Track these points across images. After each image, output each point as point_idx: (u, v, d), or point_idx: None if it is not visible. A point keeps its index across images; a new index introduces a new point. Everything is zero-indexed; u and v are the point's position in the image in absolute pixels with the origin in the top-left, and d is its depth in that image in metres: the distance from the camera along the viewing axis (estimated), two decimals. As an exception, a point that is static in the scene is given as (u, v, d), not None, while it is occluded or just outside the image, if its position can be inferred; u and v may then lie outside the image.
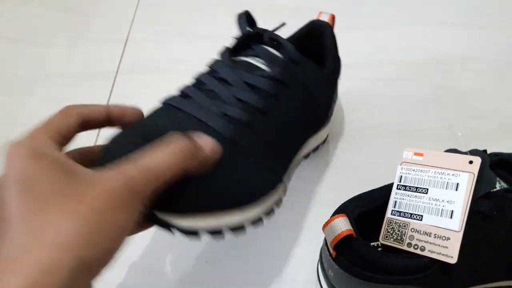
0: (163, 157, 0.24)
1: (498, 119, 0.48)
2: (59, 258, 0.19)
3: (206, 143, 0.27)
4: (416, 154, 0.34)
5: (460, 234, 0.30)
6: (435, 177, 0.32)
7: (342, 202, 0.34)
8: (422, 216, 0.32)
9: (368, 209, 0.34)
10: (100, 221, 0.21)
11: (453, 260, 0.29)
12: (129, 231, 0.23)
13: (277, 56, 0.34)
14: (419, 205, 0.32)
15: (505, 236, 0.31)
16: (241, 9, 0.63)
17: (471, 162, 0.32)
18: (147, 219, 0.27)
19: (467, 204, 0.30)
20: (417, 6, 0.60)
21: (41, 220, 0.20)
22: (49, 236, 0.20)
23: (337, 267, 0.31)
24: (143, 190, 0.23)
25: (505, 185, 0.33)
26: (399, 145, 0.37)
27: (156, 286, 0.40)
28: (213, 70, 0.34)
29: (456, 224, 0.30)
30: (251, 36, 0.35)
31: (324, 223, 0.32)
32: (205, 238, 0.28)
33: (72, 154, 0.28)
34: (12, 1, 0.67)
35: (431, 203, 0.32)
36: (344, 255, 0.31)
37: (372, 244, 0.35)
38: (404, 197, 0.33)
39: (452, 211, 0.31)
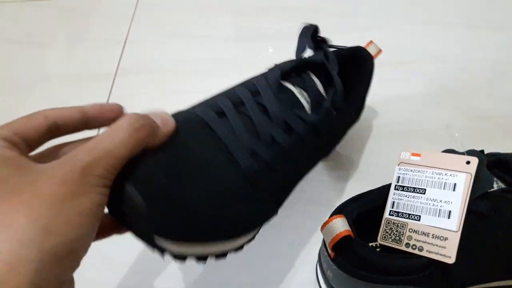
0: (117, 139, 0.24)
1: (495, 119, 0.48)
2: (21, 253, 0.19)
3: (162, 120, 0.28)
4: (413, 154, 0.34)
5: (458, 234, 0.30)
6: (432, 177, 0.33)
7: (341, 203, 0.34)
8: (420, 216, 0.32)
9: (366, 209, 0.34)
10: (57, 210, 0.21)
11: (451, 260, 0.29)
12: (95, 216, 0.23)
13: (323, 97, 0.32)
14: (417, 206, 0.32)
15: (503, 236, 0.32)
16: (239, 10, 0.63)
17: (468, 162, 0.32)
18: (140, 236, 0.27)
19: (465, 204, 0.31)
20: (416, 7, 0.60)
21: None
22: (7, 232, 0.19)
23: (335, 267, 0.32)
24: (99, 172, 0.23)
25: (502, 185, 0.33)
26: (397, 146, 0.37)
27: (156, 286, 0.40)
28: (257, 91, 0.31)
29: (454, 224, 0.30)
30: (307, 63, 0.33)
31: (322, 223, 0.32)
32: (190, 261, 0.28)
33: None
34: (12, 2, 0.67)
35: (429, 204, 0.32)
36: (342, 255, 0.31)
37: (370, 244, 0.35)
38: (402, 198, 0.33)
39: (450, 211, 0.31)
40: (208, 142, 0.29)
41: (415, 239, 0.31)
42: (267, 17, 0.62)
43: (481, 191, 0.31)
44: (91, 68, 0.58)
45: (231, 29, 0.57)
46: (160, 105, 0.54)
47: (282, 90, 0.32)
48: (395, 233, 0.32)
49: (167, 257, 0.27)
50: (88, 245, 0.23)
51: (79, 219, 0.21)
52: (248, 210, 0.29)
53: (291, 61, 0.34)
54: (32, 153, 0.26)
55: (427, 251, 0.30)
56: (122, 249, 0.40)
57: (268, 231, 0.41)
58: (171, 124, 0.28)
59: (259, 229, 0.32)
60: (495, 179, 0.33)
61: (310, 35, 0.34)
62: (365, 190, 0.35)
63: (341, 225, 0.31)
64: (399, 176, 0.34)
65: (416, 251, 0.31)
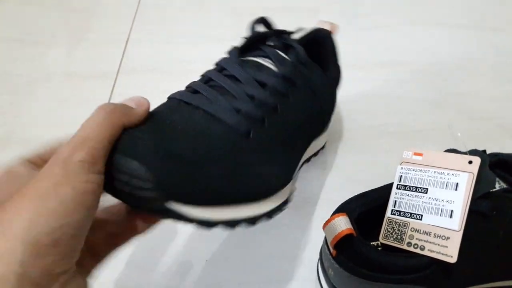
0: (92, 124, 0.25)
1: (498, 119, 0.49)
2: (5, 246, 0.21)
3: (137, 102, 0.28)
4: (415, 154, 0.34)
5: (460, 234, 0.30)
6: (434, 177, 0.33)
7: (342, 202, 0.34)
8: (422, 215, 0.32)
9: (368, 208, 0.34)
10: (39, 203, 0.22)
11: (452, 259, 0.29)
12: (82, 204, 0.23)
13: (286, 57, 0.34)
14: (419, 205, 0.32)
15: (505, 236, 0.32)
16: (241, 10, 0.63)
17: (470, 162, 0.32)
18: (158, 212, 0.26)
19: (467, 204, 0.31)
20: (417, 8, 0.60)
21: None
22: (2, 230, 0.21)
23: (337, 266, 0.32)
24: (79, 157, 0.23)
25: (504, 185, 0.33)
26: (399, 145, 0.37)
27: (156, 285, 0.40)
28: (221, 68, 0.34)
29: (456, 223, 0.30)
30: (260, 37, 0.35)
31: (324, 222, 0.32)
32: (219, 229, 0.28)
33: None
34: (13, 1, 0.67)
35: (431, 203, 0.32)
36: (344, 254, 0.31)
37: (372, 243, 0.35)
38: (404, 197, 0.33)
39: (452, 210, 0.31)
40: (191, 115, 0.29)
41: (416, 238, 0.31)
42: (269, 17, 0.62)
43: (483, 191, 0.31)
44: (93, 67, 0.58)
45: (232, 29, 0.57)
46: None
47: (246, 62, 0.34)
48: (397, 232, 0.32)
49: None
50: (80, 235, 0.23)
51: (61, 208, 0.22)
52: (255, 168, 0.30)
53: (245, 37, 0.36)
54: None
55: (428, 250, 0.30)
56: (122, 248, 0.40)
57: (268, 230, 0.42)
58: (146, 104, 0.28)
59: (283, 200, 0.32)
60: (497, 179, 0.33)
61: (261, 23, 0.36)
62: (367, 189, 0.35)
63: (343, 224, 0.31)
64: (401, 175, 0.34)
65: (418, 250, 0.31)
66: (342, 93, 0.49)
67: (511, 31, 0.56)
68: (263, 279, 0.40)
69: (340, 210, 0.33)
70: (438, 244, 0.30)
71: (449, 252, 0.29)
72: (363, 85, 0.52)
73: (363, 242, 0.31)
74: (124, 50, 0.60)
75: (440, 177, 0.32)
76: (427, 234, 0.31)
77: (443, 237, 0.30)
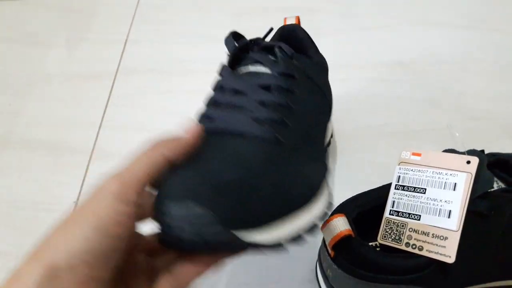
0: (132, 158, 0.25)
1: (496, 119, 0.49)
2: (25, 268, 0.22)
3: (185, 129, 0.28)
4: (414, 154, 0.34)
5: (458, 234, 0.30)
6: (433, 177, 0.33)
7: (341, 202, 0.34)
8: (420, 216, 0.32)
9: (366, 209, 0.34)
10: (65, 227, 0.23)
11: (451, 259, 0.29)
12: (111, 233, 0.23)
13: (275, 56, 0.35)
14: (417, 205, 0.32)
15: (503, 236, 0.32)
16: (240, 10, 0.63)
17: (468, 162, 0.32)
18: (229, 248, 0.25)
19: (465, 204, 0.30)
20: (416, 7, 0.60)
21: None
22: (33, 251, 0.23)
23: (335, 266, 0.32)
24: (112, 188, 0.24)
25: (502, 185, 0.33)
26: (398, 145, 0.37)
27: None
28: (221, 87, 0.33)
29: (454, 223, 0.30)
30: (242, 48, 0.36)
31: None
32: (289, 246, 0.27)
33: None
34: (12, 1, 0.67)
35: (429, 203, 0.32)
36: (342, 255, 0.31)
37: (370, 244, 0.35)
38: (402, 197, 0.33)
39: (450, 210, 0.31)
40: (213, 139, 0.29)
41: (415, 239, 0.31)
42: (266, 17, 0.62)
43: (481, 190, 0.31)
44: (92, 68, 0.58)
45: (231, 29, 0.56)
46: (159, 104, 0.54)
47: (240, 74, 0.34)
48: (395, 232, 0.32)
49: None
50: (100, 265, 0.23)
51: (81, 235, 0.22)
52: (295, 170, 0.29)
53: (229, 53, 0.36)
54: None
55: (427, 250, 0.30)
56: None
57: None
58: (193, 129, 0.28)
59: (328, 203, 0.31)
60: (495, 179, 0.33)
61: (232, 38, 0.37)
62: (365, 190, 0.35)
63: (341, 225, 0.31)
64: (399, 176, 0.34)
65: (416, 251, 0.31)
66: (342, 93, 0.49)
67: (511, 31, 0.56)
68: (262, 280, 0.40)
69: (338, 210, 0.33)
70: (437, 245, 0.30)
71: (448, 252, 0.29)
72: (361, 85, 0.52)
73: (361, 242, 0.31)
74: (123, 51, 0.60)
75: (439, 177, 0.32)
76: (425, 234, 0.31)
77: (442, 237, 0.30)
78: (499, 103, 0.50)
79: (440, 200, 0.32)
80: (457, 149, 0.35)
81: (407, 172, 0.34)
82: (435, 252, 0.30)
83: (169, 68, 0.57)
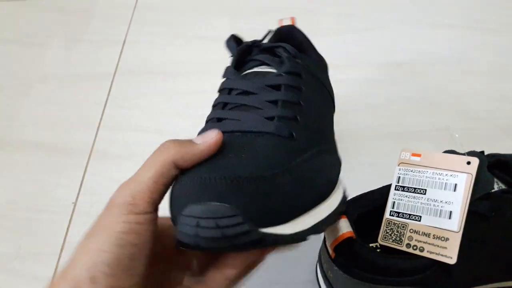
0: (143, 164, 0.25)
1: (495, 120, 0.49)
2: (55, 283, 0.23)
3: (203, 137, 0.27)
4: (413, 155, 0.34)
5: (459, 235, 0.30)
6: (433, 177, 0.33)
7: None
8: (420, 217, 0.32)
9: (366, 210, 0.34)
10: (84, 241, 0.24)
11: (452, 260, 0.29)
12: (125, 243, 0.23)
13: (280, 56, 0.35)
14: (417, 206, 0.32)
15: (504, 237, 0.32)
16: (238, 11, 0.63)
17: (469, 163, 0.32)
18: (254, 244, 0.24)
19: (466, 204, 0.30)
20: (415, 8, 0.60)
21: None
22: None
23: (336, 268, 0.31)
24: (121, 199, 0.24)
25: (503, 186, 0.33)
26: (397, 146, 0.37)
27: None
28: (230, 89, 0.33)
29: (455, 224, 0.30)
30: (244, 50, 0.36)
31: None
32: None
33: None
34: (10, 2, 0.67)
35: (430, 204, 0.32)
36: (343, 256, 0.31)
37: (371, 245, 0.35)
38: (402, 198, 0.33)
39: (451, 211, 0.31)
40: (232, 140, 0.29)
41: (415, 240, 0.31)
42: (265, 18, 0.62)
43: (482, 192, 0.31)
44: (90, 69, 0.58)
45: (229, 29, 0.56)
46: (158, 105, 0.54)
47: (246, 76, 0.34)
48: (396, 233, 0.32)
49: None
50: (120, 274, 0.23)
51: (96, 247, 0.23)
52: (313, 164, 0.29)
53: (233, 55, 0.36)
54: None
55: (428, 251, 0.30)
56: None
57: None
58: (211, 138, 0.27)
59: (344, 196, 0.31)
60: (495, 180, 0.33)
61: (233, 40, 0.37)
62: (365, 191, 0.35)
63: (344, 226, 0.31)
64: (399, 177, 0.34)
65: (417, 252, 0.31)
66: (341, 94, 0.49)
67: (510, 32, 0.57)
68: (262, 281, 0.40)
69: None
70: (438, 245, 0.30)
71: (449, 253, 0.29)
72: (361, 86, 0.52)
73: (362, 244, 0.31)
74: (121, 52, 0.59)
75: (439, 178, 0.32)
76: (426, 235, 0.31)
77: (442, 238, 0.30)
78: (499, 103, 0.50)
79: (441, 201, 0.31)
80: (456, 150, 0.35)
81: (407, 173, 0.34)
82: (436, 253, 0.30)
83: (167, 69, 0.57)
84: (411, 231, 0.32)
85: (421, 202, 0.32)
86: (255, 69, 0.34)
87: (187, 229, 0.23)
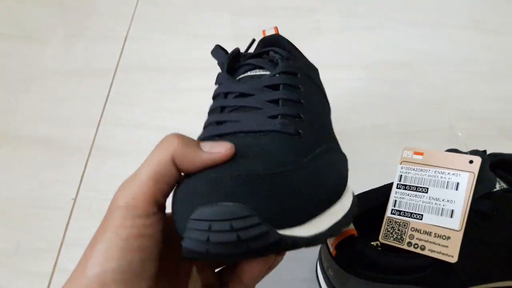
0: (144, 162, 0.24)
1: (498, 120, 0.49)
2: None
3: (211, 146, 0.25)
4: (416, 153, 0.34)
5: (461, 234, 0.30)
6: (435, 176, 0.32)
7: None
8: (422, 215, 0.32)
9: (368, 208, 0.34)
10: (91, 247, 0.23)
11: (453, 259, 0.29)
12: (131, 248, 0.23)
13: (270, 60, 0.34)
14: (419, 204, 0.32)
15: (505, 236, 0.32)
16: (239, 9, 0.63)
17: (471, 161, 0.32)
18: (270, 248, 0.23)
19: (468, 203, 0.30)
20: (417, 8, 0.60)
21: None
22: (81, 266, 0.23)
23: (337, 266, 0.31)
24: (122, 202, 0.23)
25: (504, 186, 0.33)
26: (399, 145, 0.37)
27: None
28: (225, 93, 0.32)
29: (457, 223, 0.30)
30: (234, 57, 0.35)
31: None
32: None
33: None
34: (10, -3, 0.67)
35: (431, 202, 0.32)
36: (344, 254, 0.31)
37: (372, 243, 0.35)
38: (404, 196, 0.33)
39: (453, 210, 0.31)
40: (236, 142, 0.27)
41: (417, 238, 0.31)
42: (266, 16, 0.62)
43: (484, 191, 0.31)
44: (90, 65, 0.58)
45: (230, 27, 0.57)
46: (159, 101, 0.54)
47: (239, 81, 0.33)
48: (397, 232, 0.32)
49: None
50: (130, 280, 0.23)
51: (104, 253, 0.22)
52: (322, 161, 0.28)
53: (223, 62, 0.35)
54: None
55: (429, 250, 0.30)
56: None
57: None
58: (218, 151, 0.25)
59: (353, 195, 0.30)
60: (497, 179, 0.33)
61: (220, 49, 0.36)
62: (367, 189, 0.35)
63: (346, 224, 0.30)
64: (401, 175, 0.34)
65: (418, 250, 0.31)
66: (342, 93, 0.49)
67: (511, 32, 0.56)
68: (263, 279, 0.40)
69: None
70: (439, 244, 0.30)
71: (450, 252, 0.29)
72: (362, 85, 0.52)
73: (363, 242, 0.31)
74: (122, 48, 0.59)
75: (441, 177, 0.32)
76: (427, 234, 0.31)
77: (444, 237, 0.30)
78: (501, 103, 0.50)
79: (443, 200, 0.31)
80: (459, 149, 0.35)
81: (409, 171, 0.34)
82: (437, 252, 0.30)
83: (168, 65, 0.57)
84: (413, 229, 0.32)
85: (422, 201, 0.32)
86: (249, 73, 0.33)
87: (196, 234, 0.21)
